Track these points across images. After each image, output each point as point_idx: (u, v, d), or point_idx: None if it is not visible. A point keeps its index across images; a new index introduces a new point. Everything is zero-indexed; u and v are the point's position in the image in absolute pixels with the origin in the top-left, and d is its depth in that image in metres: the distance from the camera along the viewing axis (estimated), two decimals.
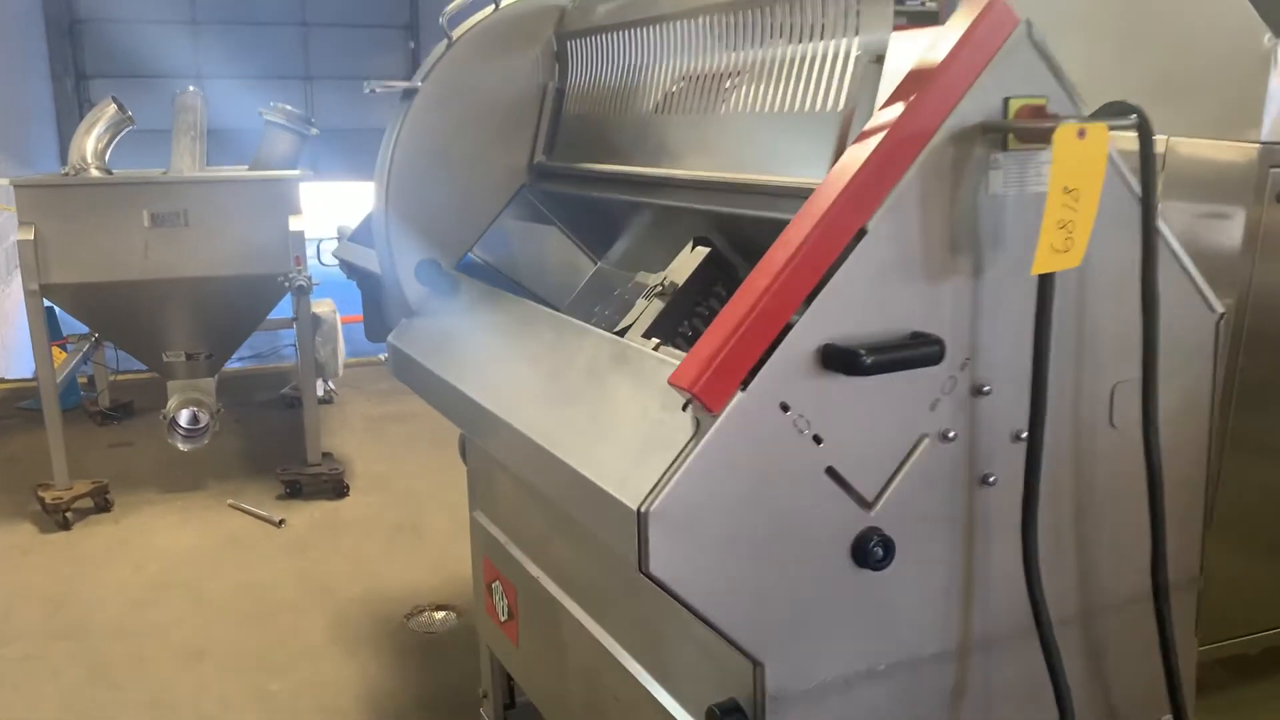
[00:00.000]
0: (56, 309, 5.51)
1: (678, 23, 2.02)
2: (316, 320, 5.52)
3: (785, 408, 1.34)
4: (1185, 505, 1.71)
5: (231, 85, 9.84)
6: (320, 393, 6.15)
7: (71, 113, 12.81)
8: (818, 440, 1.37)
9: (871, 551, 1.42)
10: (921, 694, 1.57)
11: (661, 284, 1.90)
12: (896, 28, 1.55)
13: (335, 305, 6.18)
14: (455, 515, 4.09)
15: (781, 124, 1.72)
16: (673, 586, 1.34)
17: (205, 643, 3.61)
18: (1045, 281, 1.44)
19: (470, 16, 2.32)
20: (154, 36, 13.06)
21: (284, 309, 5.10)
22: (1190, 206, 2.62)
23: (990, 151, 1.41)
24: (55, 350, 5.45)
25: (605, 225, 2.49)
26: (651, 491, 1.30)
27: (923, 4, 3.94)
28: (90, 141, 4.94)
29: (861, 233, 1.34)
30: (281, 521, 4.64)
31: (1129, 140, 1.47)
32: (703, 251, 1.92)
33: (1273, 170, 2.51)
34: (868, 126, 1.38)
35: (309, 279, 4.71)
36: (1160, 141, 2.60)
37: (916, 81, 1.37)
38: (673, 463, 1.31)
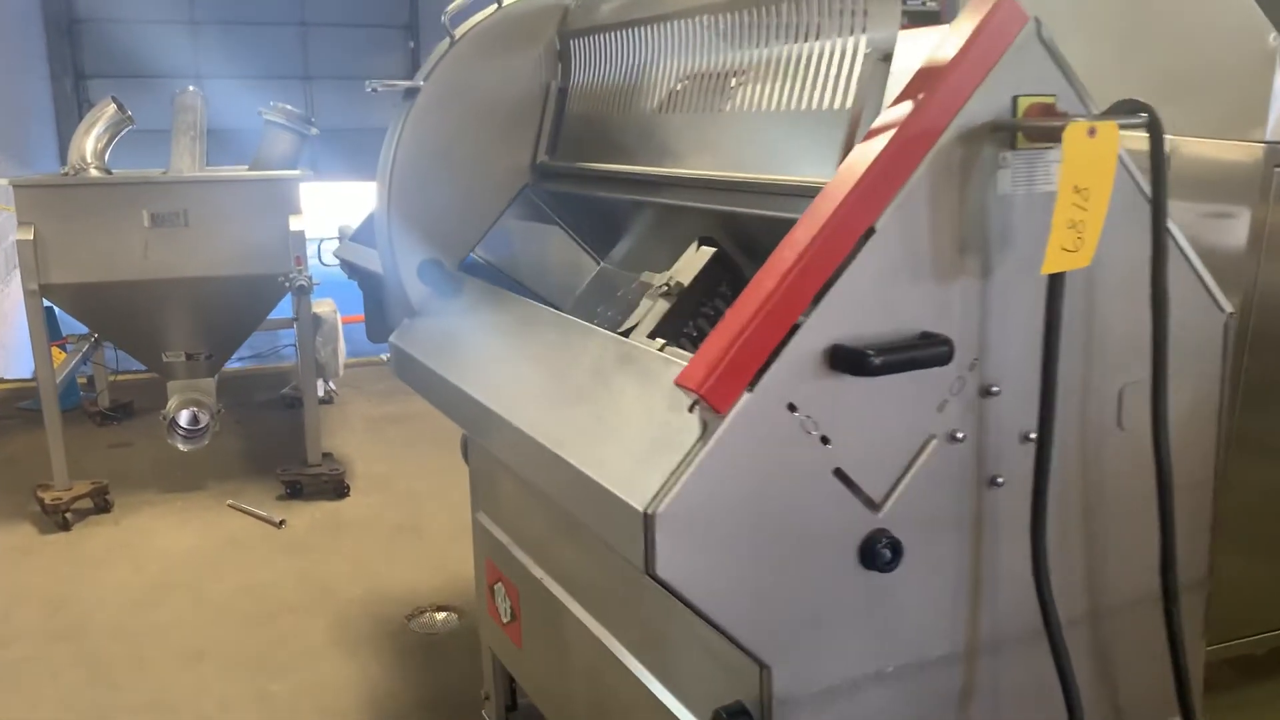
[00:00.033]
0: (56, 309, 5.50)
1: (682, 21, 2.01)
2: (317, 320, 5.51)
3: (793, 408, 1.33)
4: (1193, 507, 1.70)
5: (231, 85, 9.81)
6: (321, 393, 6.14)
7: (71, 113, 12.79)
8: (825, 441, 1.36)
9: (879, 553, 1.41)
10: (929, 697, 1.56)
11: (667, 284, 1.89)
12: (899, 26, 1.54)
13: (336, 305, 6.17)
14: (456, 516, 4.08)
15: (788, 122, 1.71)
16: (679, 589, 1.33)
17: (205, 644, 3.60)
18: (1055, 281, 1.43)
19: (472, 15, 2.31)
20: (153, 36, 13.04)
21: (284, 309, 5.09)
22: (1194, 206, 2.61)
23: (999, 150, 1.40)
24: (55, 350, 5.44)
25: (608, 225, 2.48)
26: (659, 493, 1.29)
27: (923, 3, 3.94)
28: (90, 141, 4.92)
29: (870, 232, 1.33)
30: (282, 522, 4.63)
31: (1135, 140, 1.46)
32: (709, 251, 1.91)
33: (1278, 170, 2.50)
34: (876, 125, 1.37)
35: (309, 279, 4.69)
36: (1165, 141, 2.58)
37: (925, 80, 1.36)
38: (680, 464, 1.30)
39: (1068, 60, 1.42)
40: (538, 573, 2.19)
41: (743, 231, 1.94)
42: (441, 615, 3.75)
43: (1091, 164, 1.35)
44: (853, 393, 1.35)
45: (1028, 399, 1.48)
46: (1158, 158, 1.46)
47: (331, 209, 4.68)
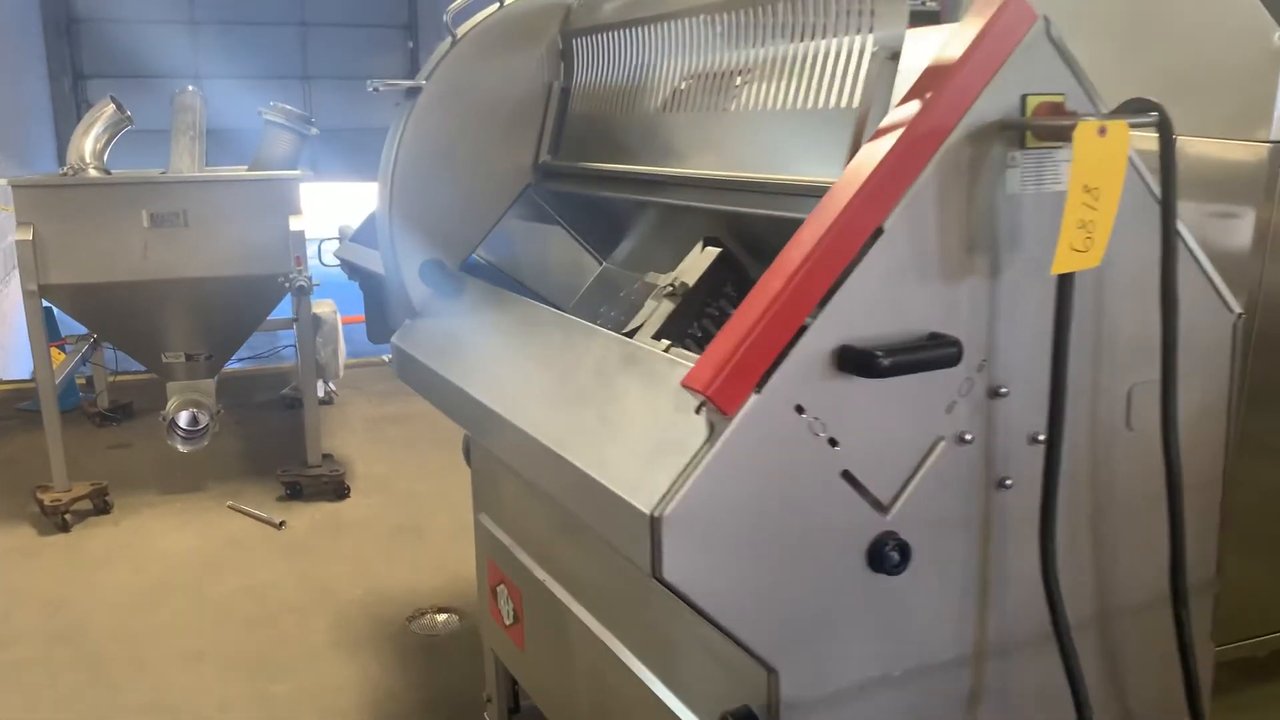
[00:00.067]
0: (55, 310, 5.48)
1: (685, 20, 2.00)
2: (317, 321, 5.49)
3: (801, 410, 1.31)
4: (1202, 508, 1.69)
5: (230, 85, 9.80)
6: (321, 394, 6.13)
7: (69, 113, 12.79)
8: (833, 443, 1.34)
9: (887, 556, 1.39)
10: (938, 700, 1.55)
11: (672, 284, 1.88)
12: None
13: (336, 306, 6.16)
14: (457, 517, 4.07)
15: (794, 121, 1.70)
16: (686, 591, 1.32)
17: (205, 645, 3.59)
18: (1065, 282, 1.42)
19: (474, 14, 2.30)
20: (152, 36, 13.04)
21: (284, 309, 5.08)
22: (1199, 206, 2.60)
23: (1008, 150, 1.38)
24: (54, 351, 5.43)
25: (610, 226, 2.47)
26: (665, 495, 1.28)
27: (923, 3, 3.93)
28: (89, 141, 4.91)
29: (878, 232, 1.32)
30: (282, 523, 4.62)
31: (1144, 140, 1.45)
32: (714, 251, 1.89)
33: None
34: (884, 124, 1.36)
35: (309, 279, 4.69)
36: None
37: (933, 78, 1.35)
38: (686, 466, 1.28)
39: (1077, 59, 1.41)
40: (541, 575, 2.18)
41: (748, 232, 1.93)
42: (442, 617, 3.74)
43: (1102, 163, 1.34)
44: (861, 394, 1.34)
45: (1036, 400, 1.47)
46: (1168, 157, 1.45)
47: (331, 209, 4.67)
